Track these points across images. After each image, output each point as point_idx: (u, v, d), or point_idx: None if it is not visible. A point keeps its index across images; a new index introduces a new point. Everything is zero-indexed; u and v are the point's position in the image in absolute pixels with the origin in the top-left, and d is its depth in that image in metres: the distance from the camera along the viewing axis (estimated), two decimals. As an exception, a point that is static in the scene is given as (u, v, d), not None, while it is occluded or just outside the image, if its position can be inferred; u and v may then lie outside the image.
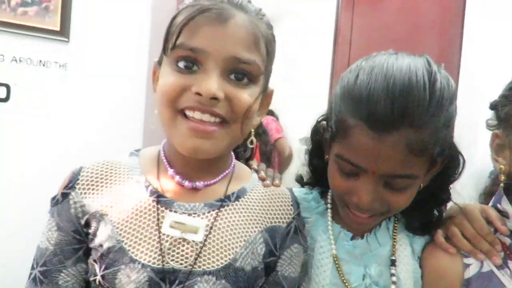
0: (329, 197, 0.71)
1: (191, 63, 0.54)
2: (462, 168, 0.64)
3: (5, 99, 1.47)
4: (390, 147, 0.54)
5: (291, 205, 0.65)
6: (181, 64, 0.55)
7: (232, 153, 0.66)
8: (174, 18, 0.57)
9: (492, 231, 0.61)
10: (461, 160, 0.64)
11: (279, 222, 0.62)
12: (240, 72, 0.55)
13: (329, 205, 0.70)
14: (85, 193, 0.60)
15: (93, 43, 1.59)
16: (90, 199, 0.59)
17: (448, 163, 0.62)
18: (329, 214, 0.69)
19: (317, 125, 0.70)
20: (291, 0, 3.23)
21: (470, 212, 0.63)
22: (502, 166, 0.62)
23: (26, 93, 1.50)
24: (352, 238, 0.67)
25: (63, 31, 1.54)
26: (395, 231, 0.67)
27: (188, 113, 0.54)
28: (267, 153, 2.36)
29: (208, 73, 0.53)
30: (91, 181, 0.60)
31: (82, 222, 0.59)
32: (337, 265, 0.65)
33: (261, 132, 2.41)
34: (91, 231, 0.58)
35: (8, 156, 1.48)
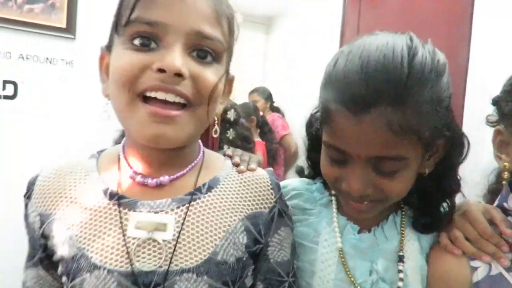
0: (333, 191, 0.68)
1: (148, 39, 0.49)
2: (467, 152, 0.61)
3: (13, 96, 1.48)
4: (369, 128, 0.51)
5: (271, 188, 0.60)
6: (137, 42, 0.49)
7: (200, 141, 0.61)
8: None
9: (497, 232, 0.59)
10: (466, 143, 0.61)
11: (260, 208, 0.58)
12: (203, 50, 0.51)
13: (333, 197, 0.67)
14: (40, 203, 0.57)
15: (99, 40, 1.59)
16: (48, 209, 0.56)
17: (451, 146, 0.60)
18: (334, 206, 0.66)
19: (310, 118, 0.69)
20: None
21: (472, 214, 0.61)
22: (506, 164, 0.59)
23: (33, 91, 1.51)
24: (359, 232, 0.65)
25: (69, 28, 1.54)
26: (402, 225, 0.65)
27: (149, 94, 0.49)
28: (273, 151, 2.36)
29: (170, 48, 0.48)
30: (46, 189, 0.57)
31: (39, 232, 0.56)
32: (342, 260, 0.62)
33: (266, 130, 2.40)
34: (50, 242, 0.55)
35: (16, 153, 1.49)
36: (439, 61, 0.54)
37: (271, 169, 0.64)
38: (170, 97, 0.49)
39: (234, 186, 0.58)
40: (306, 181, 0.72)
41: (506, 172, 0.59)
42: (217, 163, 0.61)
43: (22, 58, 1.49)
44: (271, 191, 0.60)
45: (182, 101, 0.50)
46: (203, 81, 0.50)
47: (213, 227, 0.54)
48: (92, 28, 1.58)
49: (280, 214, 0.60)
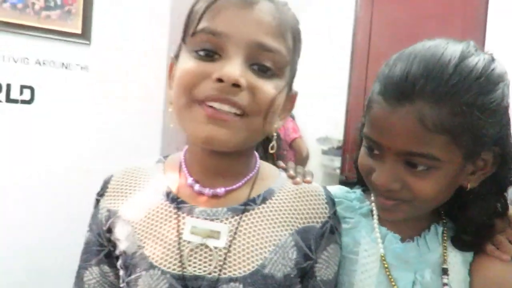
0: (373, 196, 0.66)
1: (212, 51, 0.51)
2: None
3: (30, 101, 1.52)
4: (402, 120, 0.51)
5: (326, 203, 0.60)
6: (202, 52, 0.51)
7: (256, 153, 0.63)
8: (194, 5, 0.54)
9: None
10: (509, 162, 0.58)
11: (312, 222, 0.58)
12: (264, 64, 0.51)
13: (373, 205, 0.66)
14: (112, 200, 0.61)
15: (113, 46, 1.62)
16: (116, 206, 0.60)
17: (500, 164, 0.58)
18: (375, 214, 0.65)
19: (362, 120, 0.69)
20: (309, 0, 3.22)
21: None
22: None
23: (49, 95, 1.54)
24: (402, 242, 0.64)
25: (85, 34, 1.57)
26: (444, 236, 0.63)
27: (207, 102, 0.51)
28: (282, 157, 2.34)
29: (230, 59, 0.50)
30: (119, 188, 0.61)
31: (106, 227, 0.60)
32: (386, 268, 0.61)
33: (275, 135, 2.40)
34: (115, 237, 0.59)
35: (33, 157, 1.51)
36: (493, 70, 0.53)
37: (326, 186, 0.65)
38: (226, 108, 0.50)
39: (288, 198, 0.59)
40: (345, 189, 0.72)
41: None
42: (272, 175, 0.62)
43: (39, 63, 1.52)
44: (326, 205, 0.60)
45: (238, 111, 0.51)
46: (261, 92, 0.51)
47: (263, 239, 0.55)
48: (107, 34, 1.61)
49: (331, 230, 0.60)
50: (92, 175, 1.54)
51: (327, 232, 0.59)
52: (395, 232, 0.64)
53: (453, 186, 0.57)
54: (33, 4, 1.49)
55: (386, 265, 0.62)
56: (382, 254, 0.62)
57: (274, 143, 0.60)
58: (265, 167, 0.63)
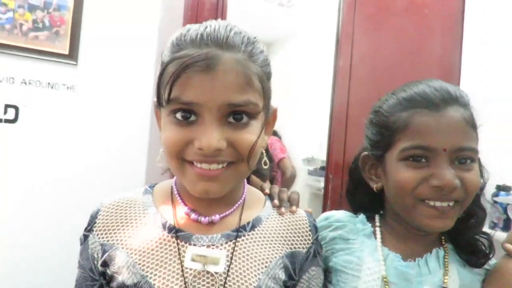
0: (377, 220, 0.72)
1: (188, 113, 0.54)
2: (486, 180, 0.69)
3: (14, 120, 1.51)
4: (451, 119, 0.61)
5: (309, 230, 0.65)
6: (179, 116, 0.55)
7: (245, 180, 0.67)
8: (163, 70, 0.56)
9: None
10: (484, 172, 0.68)
11: (299, 247, 0.63)
12: (238, 113, 0.55)
13: (378, 228, 0.71)
14: (102, 234, 0.62)
15: (100, 67, 1.64)
16: (110, 240, 0.61)
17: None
18: (379, 235, 0.70)
19: (356, 162, 0.74)
20: (292, 23, 3.32)
21: None
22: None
23: (34, 115, 1.53)
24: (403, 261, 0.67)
25: (72, 55, 1.59)
26: (446, 260, 0.67)
27: (195, 164, 0.56)
28: (270, 175, 2.36)
29: (206, 124, 0.54)
30: (109, 222, 0.63)
31: (99, 262, 0.61)
32: (386, 287, 0.64)
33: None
34: (112, 270, 0.60)
35: (17, 176, 1.50)
36: None
37: (309, 210, 0.70)
38: (214, 166, 0.55)
39: (275, 226, 0.64)
40: (348, 213, 0.76)
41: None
42: (258, 202, 0.67)
43: (25, 83, 1.53)
44: (309, 232, 0.65)
45: (224, 164, 0.56)
46: (242, 144, 0.55)
47: (256, 262, 0.59)
48: (94, 54, 1.63)
49: (314, 254, 0.65)
50: (76, 195, 1.53)
51: (311, 256, 0.64)
52: (397, 253, 0.67)
53: None
54: (21, 25, 1.51)
55: (387, 284, 0.65)
56: (384, 276, 0.65)
57: (265, 159, 0.64)
58: (251, 193, 0.68)
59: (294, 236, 0.64)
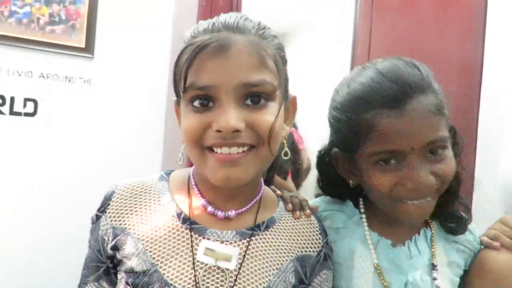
0: (361, 205, 0.71)
1: (206, 100, 0.55)
2: (461, 147, 0.68)
3: (33, 114, 1.53)
4: (415, 115, 0.56)
5: (320, 233, 0.65)
6: (197, 103, 0.55)
7: (262, 178, 0.66)
8: (178, 59, 0.57)
9: None
10: (461, 141, 0.68)
11: (309, 251, 0.63)
12: (255, 95, 0.55)
13: (363, 215, 0.70)
14: (115, 217, 0.61)
15: (116, 60, 1.65)
16: (122, 224, 0.61)
17: (453, 145, 0.66)
18: (365, 223, 0.69)
19: (322, 156, 0.73)
20: (307, 11, 3.27)
21: (504, 218, 0.69)
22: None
23: (52, 108, 1.55)
24: (392, 246, 0.68)
25: (88, 48, 1.60)
26: (432, 239, 0.68)
27: (215, 149, 0.55)
28: (294, 169, 2.29)
29: (224, 106, 0.53)
30: (123, 205, 0.62)
31: (109, 244, 0.61)
32: (379, 274, 0.64)
33: (295, 155, 2.34)
34: (122, 254, 0.59)
35: (36, 169, 1.53)
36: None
37: (315, 206, 0.70)
38: (234, 150, 0.55)
39: (288, 228, 0.63)
40: (334, 200, 0.74)
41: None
42: (272, 202, 0.67)
43: (43, 76, 1.55)
44: (319, 236, 0.65)
45: (245, 148, 0.55)
46: (260, 126, 0.55)
47: (268, 263, 0.59)
48: (110, 47, 1.63)
49: (325, 257, 0.65)
50: (94, 187, 1.55)
51: (321, 260, 0.64)
52: (386, 237, 0.68)
53: None
54: (38, 19, 1.53)
55: (379, 270, 0.65)
56: (376, 261, 0.65)
57: (286, 149, 0.63)
58: (267, 193, 0.68)
59: (305, 240, 0.63)
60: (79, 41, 1.59)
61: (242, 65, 0.54)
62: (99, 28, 1.61)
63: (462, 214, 0.69)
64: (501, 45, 1.72)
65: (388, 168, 0.60)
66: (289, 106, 0.63)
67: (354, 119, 0.61)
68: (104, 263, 0.62)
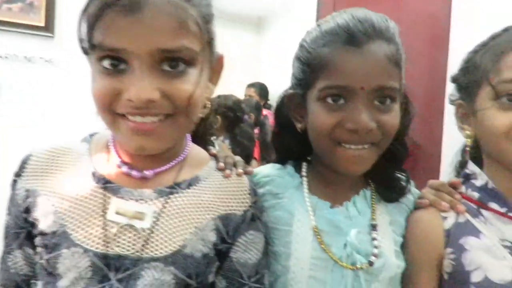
0: (303, 169, 0.70)
1: (117, 60, 0.49)
2: (412, 116, 0.68)
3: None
4: (372, 56, 0.57)
5: (248, 193, 0.62)
6: (106, 64, 0.49)
7: (189, 136, 0.63)
8: (84, 8, 0.50)
9: (451, 188, 0.68)
10: (412, 111, 0.67)
11: (234, 210, 0.60)
12: (173, 60, 0.50)
13: (304, 178, 0.68)
14: (30, 180, 0.59)
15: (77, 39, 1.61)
16: (35, 185, 0.58)
17: (404, 112, 0.66)
18: (305, 186, 0.67)
19: (283, 100, 0.70)
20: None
21: (431, 181, 0.70)
22: (468, 132, 0.67)
23: (13, 89, 1.52)
24: (331, 208, 0.66)
25: (48, 27, 1.54)
26: (373, 199, 0.67)
27: (129, 117, 0.51)
28: (268, 144, 2.26)
29: (136, 73, 0.49)
30: (39, 168, 0.59)
31: (23, 208, 0.58)
32: (318, 237, 0.62)
33: (264, 131, 2.32)
34: (34, 216, 0.57)
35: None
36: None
37: (250, 169, 0.67)
38: (148, 119, 0.51)
39: (213, 187, 0.60)
40: (276, 166, 0.73)
41: (469, 140, 0.68)
42: (201, 161, 0.63)
43: (1, 57, 1.50)
44: (248, 195, 0.62)
45: (161, 117, 0.51)
46: (178, 95, 0.51)
47: (186, 221, 0.56)
48: (71, 26, 1.58)
49: (252, 218, 0.61)
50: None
51: (248, 219, 0.60)
52: (326, 200, 0.66)
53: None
54: (-7, -4, 1.48)
55: (318, 233, 0.63)
56: (314, 226, 0.63)
57: (207, 110, 0.60)
58: (196, 152, 0.64)
59: (231, 199, 0.60)
60: (38, 19, 1.53)
61: (158, 28, 0.48)
62: (59, 6, 1.55)
63: (403, 184, 0.68)
64: (464, 50, 1.72)
65: (334, 107, 0.59)
66: (216, 65, 0.59)
67: (315, 53, 0.61)
68: (24, 228, 0.59)
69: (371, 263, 0.61)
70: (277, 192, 0.67)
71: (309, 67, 0.62)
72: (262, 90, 2.81)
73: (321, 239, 0.62)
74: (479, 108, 0.64)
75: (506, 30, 0.63)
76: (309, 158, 0.71)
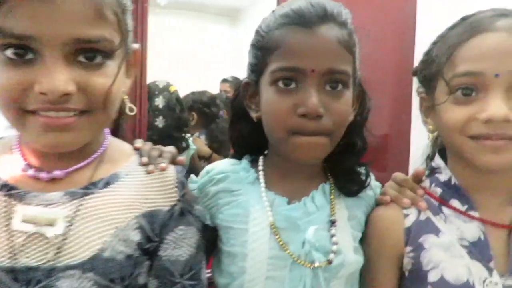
0: (260, 163, 0.67)
1: (23, 49, 0.44)
2: (368, 108, 0.67)
3: None
4: (323, 39, 0.57)
5: (175, 187, 0.58)
6: (10, 53, 0.44)
7: (107, 130, 0.59)
8: None
9: (414, 184, 0.67)
10: (368, 103, 0.67)
11: (159, 206, 0.56)
12: (90, 51, 0.47)
13: (261, 172, 0.66)
14: None
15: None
16: None
17: (361, 103, 0.66)
18: (262, 181, 0.65)
19: (239, 90, 0.69)
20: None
21: (395, 174, 0.69)
22: (431, 127, 0.67)
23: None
24: (288, 204, 0.64)
25: None
26: (332, 193, 0.66)
27: (40, 113, 0.47)
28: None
29: (48, 64, 0.45)
30: None
31: None
32: (276, 234, 0.60)
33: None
34: None
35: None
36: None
37: (182, 159, 0.63)
38: (63, 114, 0.47)
39: (135, 184, 0.56)
40: (231, 161, 0.70)
41: (430, 134, 0.68)
42: (122, 157, 0.59)
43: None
44: (175, 189, 0.58)
45: (76, 113, 0.48)
46: (94, 89, 0.47)
47: (104, 223, 0.52)
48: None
49: (181, 213, 0.58)
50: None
51: (176, 215, 0.57)
52: (284, 195, 0.64)
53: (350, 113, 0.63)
54: None
55: (275, 230, 0.61)
56: (271, 222, 0.61)
57: (130, 105, 0.57)
58: (116, 147, 0.60)
59: (156, 194, 0.57)
60: None
61: (74, 15, 0.44)
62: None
63: (362, 178, 0.68)
64: (430, 41, 1.72)
65: (286, 90, 0.58)
66: (131, 59, 0.57)
67: (267, 36, 0.61)
68: None
69: (330, 261, 0.59)
70: (232, 189, 0.65)
71: (261, 51, 0.61)
72: (237, 84, 2.76)
73: (279, 236, 0.60)
74: (437, 102, 0.62)
75: (463, 19, 0.62)
76: (266, 152, 0.69)
